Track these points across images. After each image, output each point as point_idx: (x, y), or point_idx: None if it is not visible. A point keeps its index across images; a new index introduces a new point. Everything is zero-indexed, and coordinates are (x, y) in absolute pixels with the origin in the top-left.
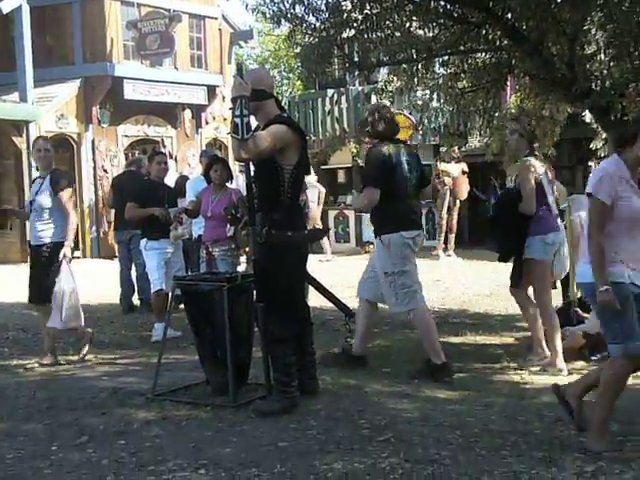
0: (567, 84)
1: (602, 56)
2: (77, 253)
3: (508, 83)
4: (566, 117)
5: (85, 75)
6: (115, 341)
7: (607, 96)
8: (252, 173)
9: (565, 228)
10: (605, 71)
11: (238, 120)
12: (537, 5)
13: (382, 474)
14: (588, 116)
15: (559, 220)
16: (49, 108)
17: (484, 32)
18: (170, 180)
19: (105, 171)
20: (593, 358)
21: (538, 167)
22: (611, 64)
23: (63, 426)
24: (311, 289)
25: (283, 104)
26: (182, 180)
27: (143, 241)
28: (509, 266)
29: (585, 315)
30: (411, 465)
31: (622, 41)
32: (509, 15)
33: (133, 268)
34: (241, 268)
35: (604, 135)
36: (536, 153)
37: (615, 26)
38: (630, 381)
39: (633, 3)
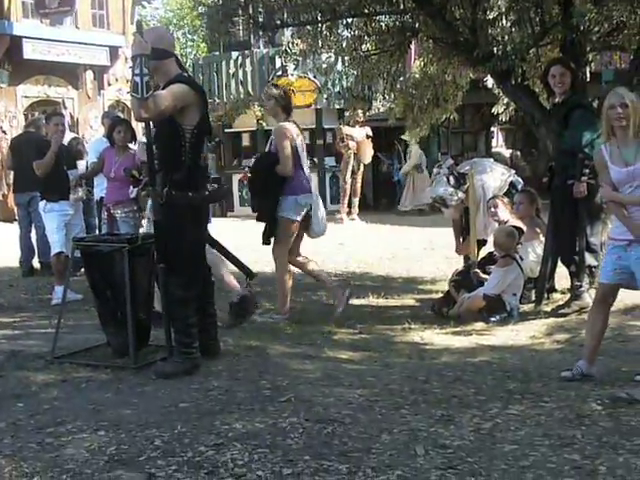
0: (469, 48)
1: (504, 21)
2: None
3: (412, 47)
4: (468, 82)
5: None
6: (14, 304)
7: (508, 60)
8: (152, 133)
9: (466, 191)
10: (506, 36)
11: (138, 79)
12: None
13: (283, 433)
14: (490, 81)
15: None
16: None
17: None
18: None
19: (4, 132)
20: (492, 319)
21: (294, 132)
22: (512, 29)
23: None
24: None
25: (187, 66)
26: (76, 142)
27: (42, 203)
28: (411, 229)
29: (484, 277)
30: (312, 424)
31: (523, 6)
32: None
33: (33, 231)
34: (143, 230)
35: (505, 100)
36: (291, 119)
37: None
38: (528, 341)
39: None
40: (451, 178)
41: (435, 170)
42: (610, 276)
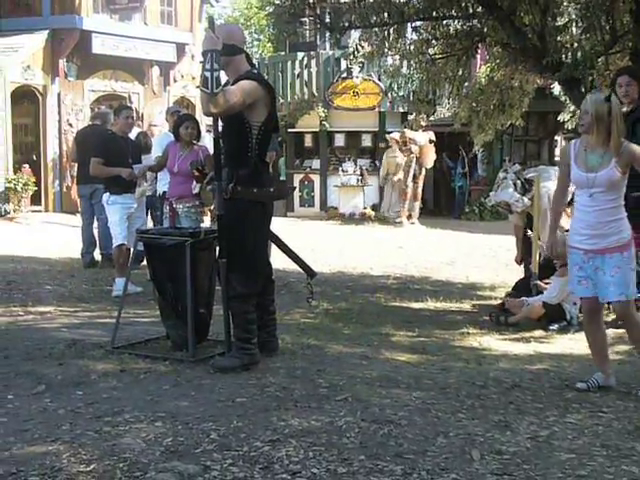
0: (538, 55)
1: (573, 28)
2: (39, 207)
3: (479, 52)
4: (535, 89)
5: (53, 27)
6: (75, 295)
7: (578, 69)
8: (220, 129)
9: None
10: (576, 43)
11: (208, 74)
12: None
13: (338, 432)
14: (557, 89)
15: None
16: (15, 59)
17: None
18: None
19: (70, 125)
20: (551, 327)
21: None
22: (582, 37)
23: (20, 376)
24: (275, 248)
25: (253, 62)
26: (143, 136)
27: (106, 195)
28: (471, 235)
29: (545, 287)
30: (368, 424)
31: (593, 14)
32: None
33: (95, 223)
34: (204, 226)
35: (572, 108)
36: None
37: None
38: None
39: None
40: (518, 183)
41: (501, 174)
42: (578, 289)
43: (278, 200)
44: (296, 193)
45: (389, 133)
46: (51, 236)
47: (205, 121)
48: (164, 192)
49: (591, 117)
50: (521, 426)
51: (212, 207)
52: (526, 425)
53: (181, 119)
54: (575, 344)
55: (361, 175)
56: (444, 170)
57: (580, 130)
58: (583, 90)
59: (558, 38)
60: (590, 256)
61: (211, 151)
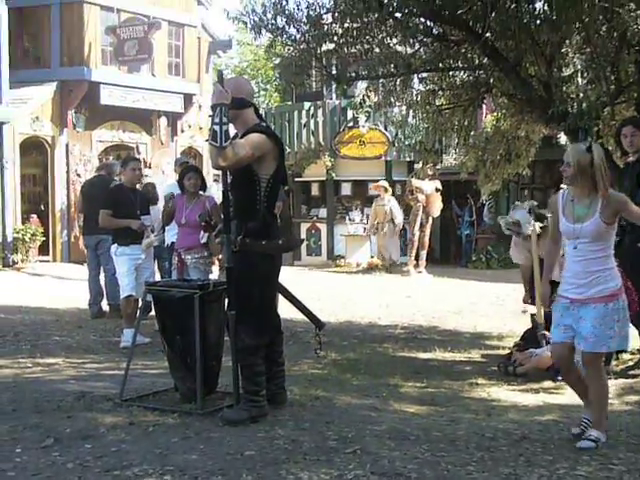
0: (544, 105)
1: (579, 79)
2: (47, 257)
3: (485, 102)
4: (541, 138)
5: (62, 78)
6: (83, 346)
7: (584, 119)
8: (228, 181)
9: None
10: (581, 94)
11: (217, 127)
12: (516, 25)
13: None
14: (563, 138)
15: None
16: (24, 110)
17: (463, 50)
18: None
19: (79, 175)
20: (560, 378)
21: None
22: (588, 87)
23: (28, 428)
24: (282, 299)
25: (261, 115)
26: (151, 187)
27: (114, 246)
28: (479, 284)
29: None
30: (377, 477)
31: (599, 65)
32: (488, 34)
33: (102, 273)
34: (213, 277)
35: None
36: None
37: (592, 50)
38: None
39: (610, 28)
40: (532, 212)
41: (517, 203)
42: (556, 334)
43: (287, 252)
44: (303, 242)
45: (396, 182)
46: (59, 286)
47: (212, 171)
48: (172, 243)
49: (574, 169)
50: (531, 479)
51: (220, 256)
52: (536, 478)
53: (184, 171)
54: None
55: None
56: (452, 218)
57: (564, 182)
58: (589, 140)
59: (564, 89)
60: (575, 305)
61: (218, 201)
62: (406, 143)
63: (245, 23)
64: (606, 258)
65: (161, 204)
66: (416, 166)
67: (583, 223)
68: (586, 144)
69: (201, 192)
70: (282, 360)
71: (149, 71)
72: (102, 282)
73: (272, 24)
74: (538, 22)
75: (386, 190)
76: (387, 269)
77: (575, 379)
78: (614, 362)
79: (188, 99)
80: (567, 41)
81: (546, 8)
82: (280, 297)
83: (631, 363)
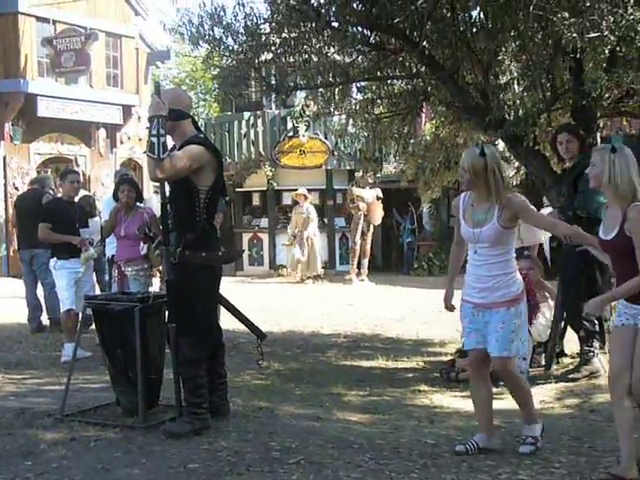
0: (481, 112)
1: (515, 86)
2: None
3: (424, 110)
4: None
5: None
6: (23, 361)
7: (520, 126)
8: (167, 193)
9: None
10: (518, 101)
11: (155, 139)
12: (452, 33)
13: None
14: (501, 145)
15: None
16: None
17: (401, 59)
18: None
19: (17, 189)
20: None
21: None
22: (524, 94)
23: None
24: (224, 311)
25: (199, 126)
26: (88, 200)
27: (53, 260)
28: (421, 291)
29: None
30: None
31: (534, 72)
32: (425, 43)
33: (40, 287)
34: (154, 288)
35: (516, 164)
36: None
37: (528, 57)
38: (538, 406)
39: (545, 36)
40: None
41: None
42: (466, 341)
43: (227, 263)
44: (245, 252)
45: (337, 191)
46: None
47: (153, 183)
48: (112, 256)
49: (469, 173)
50: None
51: (161, 268)
52: None
53: (118, 184)
54: None
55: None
56: (393, 226)
57: (461, 188)
58: (525, 146)
59: (501, 96)
60: (479, 309)
61: (157, 213)
62: (346, 152)
63: (182, 34)
64: (507, 262)
65: (103, 217)
66: (356, 175)
67: (482, 228)
68: (479, 148)
69: (138, 204)
70: (224, 372)
71: (87, 82)
72: (41, 296)
73: (209, 35)
74: (474, 30)
75: (305, 198)
76: (330, 278)
77: (481, 386)
78: (555, 366)
79: (127, 110)
80: (503, 49)
81: (482, 16)
82: (222, 309)
83: (571, 367)
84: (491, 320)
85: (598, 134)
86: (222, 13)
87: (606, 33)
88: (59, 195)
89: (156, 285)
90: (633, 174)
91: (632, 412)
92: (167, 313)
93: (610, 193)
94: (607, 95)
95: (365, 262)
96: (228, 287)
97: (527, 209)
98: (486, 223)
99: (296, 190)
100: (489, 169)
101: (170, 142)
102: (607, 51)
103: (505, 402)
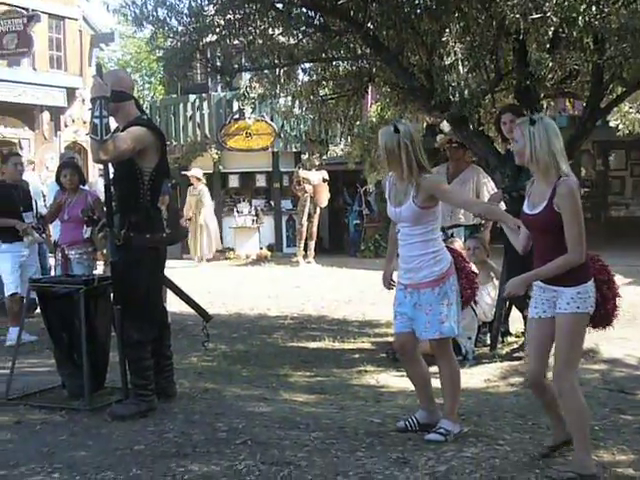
0: (426, 94)
1: (460, 67)
2: None
3: (369, 92)
4: (425, 127)
5: None
6: None
7: (466, 107)
8: (111, 175)
9: None
10: (462, 82)
11: (97, 121)
12: (397, 15)
13: (239, 476)
14: (446, 126)
15: None
16: None
17: (345, 41)
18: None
19: None
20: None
21: None
22: (468, 75)
23: None
24: (170, 293)
25: (145, 109)
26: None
27: None
28: (368, 273)
29: None
30: (268, 467)
31: (479, 53)
32: (369, 24)
33: None
34: (97, 272)
35: None
36: None
37: (472, 38)
38: (483, 384)
39: (489, 17)
40: None
41: None
42: (396, 324)
43: (172, 245)
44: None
45: (283, 173)
46: None
47: (98, 165)
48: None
49: (384, 152)
50: (419, 462)
51: (104, 251)
52: (424, 461)
53: (59, 168)
54: (470, 378)
55: (256, 215)
56: (341, 208)
57: (381, 166)
58: (471, 127)
59: (445, 77)
60: (409, 291)
61: (101, 195)
62: (292, 134)
63: (125, 15)
64: (427, 242)
65: (48, 201)
66: (303, 157)
67: (401, 207)
68: (393, 125)
69: (82, 186)
70: (170, 354)
71: (30, 65)
72: None
73: (153, 16)
74: (418, 12)
75: (199, 180)
76: (277, 260)
77: (414, 366)
78: (500, 345)
79: (71, 93)
80: (447, 30)
81: None
82: (168, 291)
83: (516, 346)
84: (420, 301)
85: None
86: None
87: (549, 14)
88: (2, 178)
89: (100, 269)
90: (555, 146)
91: (553, 393)
92: (112, 295)
93: (534, 167)
94: (550, 76)
95: (312, 244)
96: (175, 270)
97: (441, 188)
98: (404, 203)
99: (244, 173)
100: (401, 146)
101: (113, 124)
102: (550, 32)
103: None
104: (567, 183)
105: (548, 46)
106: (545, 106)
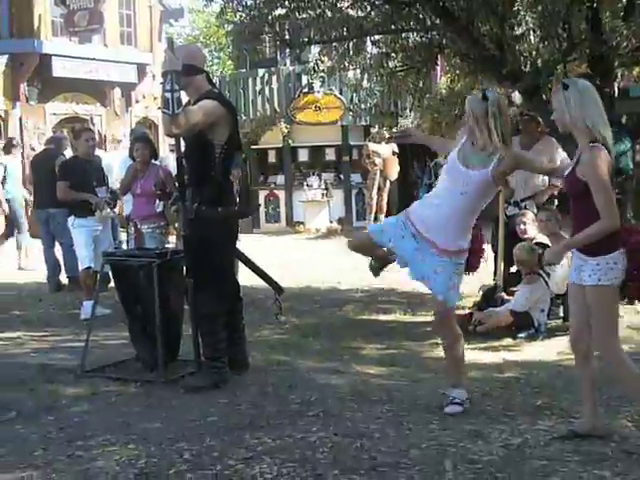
0: (497, 64)
1: (531, 37)
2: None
3: (439, 63)
4: None
5: (12, 51)
6: (43, 319)
7: (538, 77)
8: (182, 149)
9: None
10: (534, 52)
11: (168, 95)
12: None
13: (312, 447)
14: (517, 96)
15: None
16: None
17: (415, 11)
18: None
19: (33, 149)
20: (520, 335)
21: None
22: (540, 45)
23: None
24: (242, 266)
25: (214, 82)
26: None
27: (71, 218)
28: None
29: (508, 297)
30: (340, 439)
31: (551, 22)
32: None
33: (58, 246)
34: (170, 246)
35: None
36: None
37: (543, 7)
38: (556, 357)
39: None
40: None
41: None
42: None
43: (243, 218)
44: (262, 209)
45: (353, 147)
46: (18, 261)
47: (169, 141)
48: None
49: (469, 119)
50: (493, 435)
51: (177, 225)
52: (498, 434)
53: (132, 143)
54: (544, 351)
55: (326, 189)
56: (411, 182)
57: (463, 131)
58: (544, 97)
59: (517, 47)
60: (417, 240)
61: (172, 170)
62: (362, 107)
63: None
64: (468, 215)
65: (119, 177)
66: (372, 130)
67: (473, 170)
68: (482, 93)
69: (154, 161)
70: (242, 326)
71: (101, 41)
72: (59, 255)
73: None
74: None
75: None
76: (347, 233)
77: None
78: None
79: (141, 69)
80: None
81: None
82: (240, 264)
83: None
84: (425, 256)
85: (615, 84)
86: None
87: None
88: (75, 154)
89: (172, 243)
90: (588, 110)
91: (594, 371)
92: (185, 268)
93: (575, 132)
94: (625, 44)
95: (382, 218)
96: (245, 244)
97: (525, 158)
98: (477, 168)
99: (314, 147)
100: (489, 115)
101: (185, 98)
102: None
103: (523, 354)
104: (592, 150)
105: (622, 13)
106: (619, 75)
